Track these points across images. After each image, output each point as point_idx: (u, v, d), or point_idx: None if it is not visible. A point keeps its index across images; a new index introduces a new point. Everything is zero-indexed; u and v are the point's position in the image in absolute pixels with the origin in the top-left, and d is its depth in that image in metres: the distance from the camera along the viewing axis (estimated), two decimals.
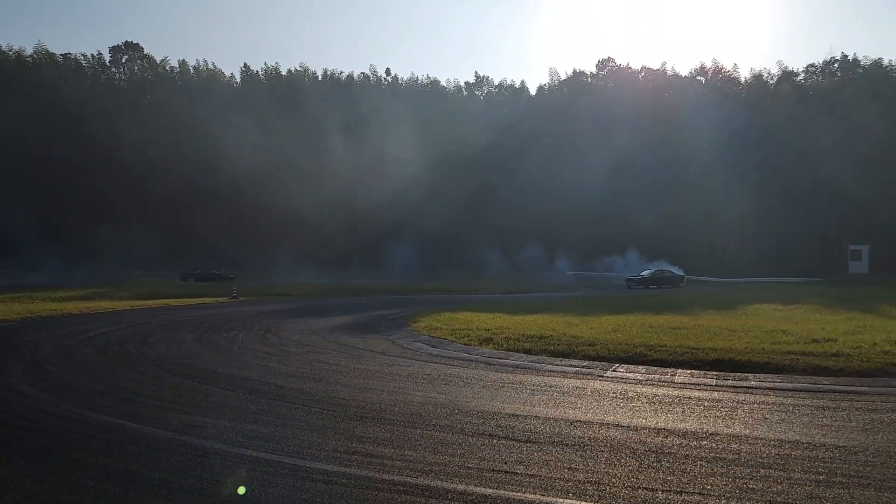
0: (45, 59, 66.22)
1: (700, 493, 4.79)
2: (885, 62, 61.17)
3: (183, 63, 70.68)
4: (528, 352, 12.48)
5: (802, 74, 65.46)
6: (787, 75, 65.13)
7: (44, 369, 10.46)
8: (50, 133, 57.28)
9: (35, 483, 5.13)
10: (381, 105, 65.88)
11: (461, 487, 4.94)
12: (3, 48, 65.60)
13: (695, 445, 6.05)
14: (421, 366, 11.12)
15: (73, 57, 67.54)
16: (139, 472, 5.38)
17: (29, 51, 66.53)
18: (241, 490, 4.90)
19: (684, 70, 70.54)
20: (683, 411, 7.50)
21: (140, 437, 6.47)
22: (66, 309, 22.59)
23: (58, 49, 69.78)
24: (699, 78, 68.53)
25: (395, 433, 6.55)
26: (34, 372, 10.15)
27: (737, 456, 5.70)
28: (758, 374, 9.84)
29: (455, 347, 13.35)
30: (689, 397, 8.32)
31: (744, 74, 68.45)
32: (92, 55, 68.60)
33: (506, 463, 5.53)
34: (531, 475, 5.22)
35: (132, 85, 68.68)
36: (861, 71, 61.76)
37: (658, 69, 70.08)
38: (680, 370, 10.31)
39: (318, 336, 15.46)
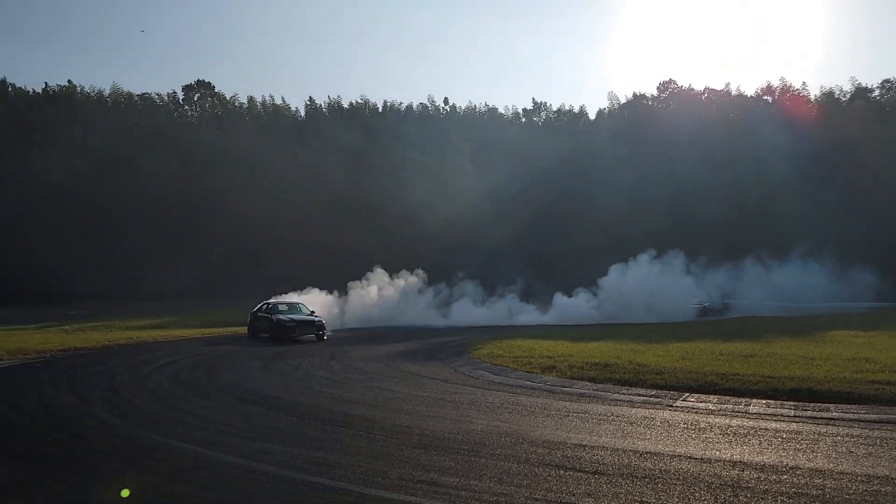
0: (122, 99, 69.99)
1: None
2: None
3: (251, 99, 73.52)
4: (592, 380, 12.21)
5: (877, 90, 62.85)
6: (861, 92, 62.61)
7: (121, 396, 10.86)
8: (116, 168, 60.00)
9: None
10: (440, 133, 66.70)
11: None
12: (86, 89, 69.74)
13: (774, 480, 5.76)
14: (483, 394, 11.02)
15: (149, 96, 71.16)
16: (210, 497, 5.48)
17: (107, 91, 70.47)
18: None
19: (750, 90, 68.73)
20: (760, 443, 7.18)
21: (211, 462, 6.61)
22: (141, 337, 23.48)
23: (136, 89, 73.74)
24: (766, 97, 66.67)
25: (459, 462, 6.49)
26: (112, 399, 10.55)
27: (821, 492, 5.40)
28: (840, 405, 9.33)
29: (517, 375, 13.20)
30: (766, 428, 7.96)
31: (813, 92, 66.17)
32: (168, 94, 72.13)
33: (573, 495, 5.39)
34: None
35: (203, 121, 71.74)
36: None
37: (722, 90, 68.60)
38: (755, 400, 9.88)
39: (379, 363, 15.56)
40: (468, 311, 36.28)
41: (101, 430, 8.25)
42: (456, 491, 5.52)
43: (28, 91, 68.55)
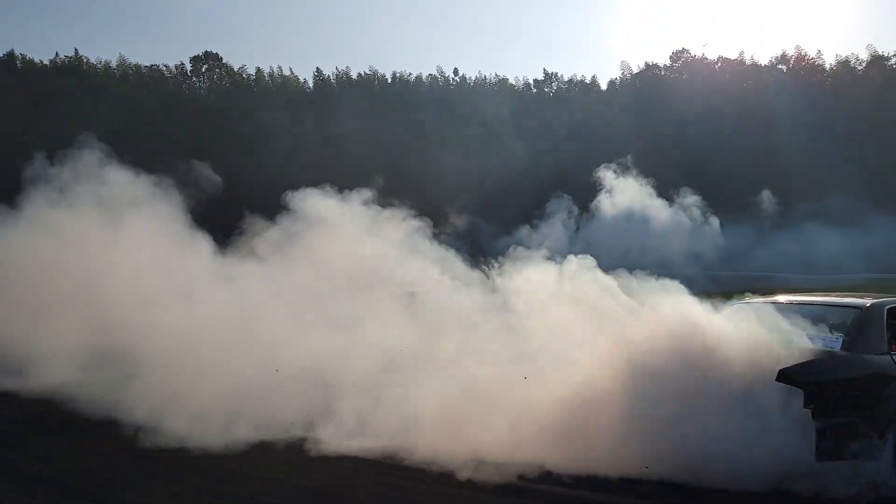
0: (130, 71, 69.57)
1: None
2: None
3: (258, 71, 72.86)
4: None
5: (894, 59, 61.84)
6: (877, 60, 61.62)
7: None
8: (127, 141, 59.85)
9: None
10: (449, 105, 66.27)
11: None
12: (92, 61, 69.30)
13: None
14: None
15: (157, 68, 70.67)
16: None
17: (114, 63, 69.97)
18: None
19: (764, 59, 67.70)
20: None
21: None
22: None
23: (144, 61, 73.11)
24: (780, 66, 65.71)
25: None
26: None
27: None
28: None
29: None
30: None
31: (829, 61, 65.15)
32: (175, 66, 71.54)
33: None
34: None
35: (211, 93, 71.31)
36: None
37: (735, 59, 67.66)
38: None
39: None
40: None
41: None
42: None
43: (37, 62, 68.16)
